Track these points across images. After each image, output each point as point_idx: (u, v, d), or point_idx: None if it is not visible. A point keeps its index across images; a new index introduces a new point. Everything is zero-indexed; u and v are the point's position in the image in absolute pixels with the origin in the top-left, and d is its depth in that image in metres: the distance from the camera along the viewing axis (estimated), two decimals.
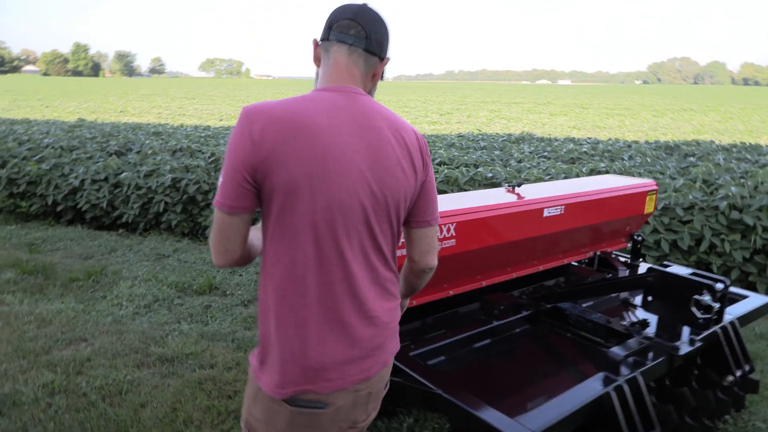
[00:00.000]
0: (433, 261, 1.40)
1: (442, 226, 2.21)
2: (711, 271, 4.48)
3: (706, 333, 2.25)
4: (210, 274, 4.83)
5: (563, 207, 2.70)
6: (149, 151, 7.24)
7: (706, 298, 2.03)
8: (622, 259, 3.28)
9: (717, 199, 4.61)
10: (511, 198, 2.58)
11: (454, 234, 2.26)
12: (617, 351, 2.24)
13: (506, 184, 2.85)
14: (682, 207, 4.64)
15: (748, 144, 8.89)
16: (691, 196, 4.77)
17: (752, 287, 4.29)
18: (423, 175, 1.30)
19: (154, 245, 5.67)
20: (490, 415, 1.71)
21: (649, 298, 2.24)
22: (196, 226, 6.04)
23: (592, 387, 1.92)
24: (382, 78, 1.32)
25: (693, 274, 2.15)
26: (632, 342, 2.35)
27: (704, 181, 5.43)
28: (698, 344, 2.27)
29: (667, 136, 12.18)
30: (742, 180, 4.99)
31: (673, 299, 2.16)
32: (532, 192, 2.76)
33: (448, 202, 2.40)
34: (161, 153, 7.23)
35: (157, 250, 5.51)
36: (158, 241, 5.85)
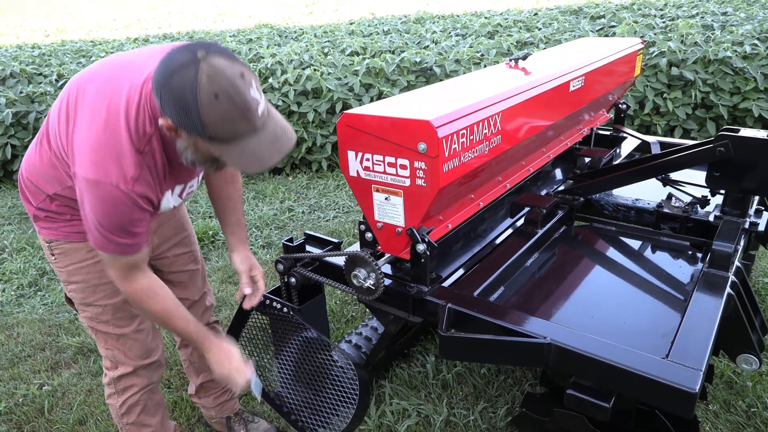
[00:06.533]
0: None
1: (491, 119, 1.62)
2: (655, 134, 4.40)
3: None
4: None
5: (583, 78, 2.21)
6: None
7: None
8: (605, 133, 2.94)
9: (654, 56, 4.42)
10: (531, 75, 2.02)
11: (500, 128, 1.68)
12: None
13: (507, 59, 2.27)
14: None
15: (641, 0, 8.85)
16: None
17: None
18: None
19: (13, 202, 4.42)
20: (644, 362, 1.27)
21: (716, 173, 1.90)
22: None
23: (707, 296, 1.55)
24: None
25: None
26: (692, 226, 2.04)
27: None
28: None
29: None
30: (670, 35, 4.84)
31: (751, 169, 1.83)
32: (539, 65, 2.22)
33: (476, 91, 1.79)
34: None
35: (19, 208, 4.29)
36: (15, 195, 4.57)
